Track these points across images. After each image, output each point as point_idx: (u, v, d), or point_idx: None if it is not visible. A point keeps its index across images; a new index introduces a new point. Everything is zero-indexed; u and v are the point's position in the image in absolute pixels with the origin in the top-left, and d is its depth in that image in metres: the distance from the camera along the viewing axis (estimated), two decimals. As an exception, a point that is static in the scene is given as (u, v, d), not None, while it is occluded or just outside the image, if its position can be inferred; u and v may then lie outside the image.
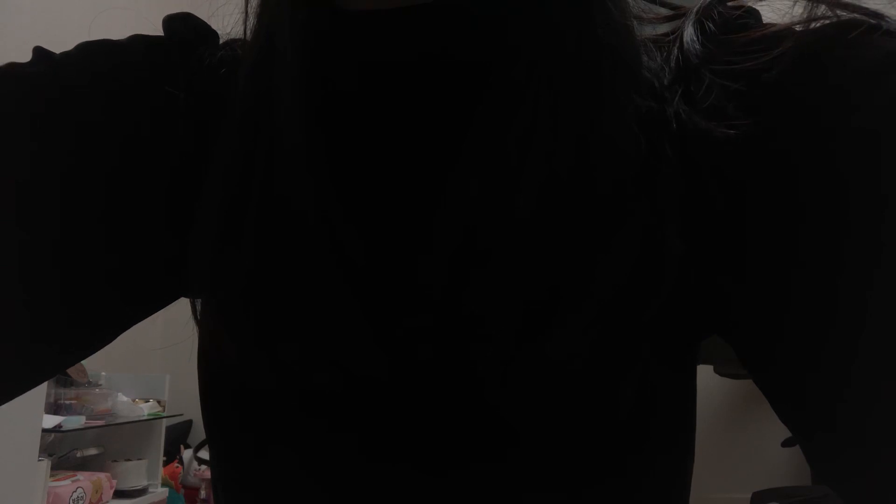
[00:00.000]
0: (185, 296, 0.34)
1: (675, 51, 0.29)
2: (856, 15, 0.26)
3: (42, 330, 0.28)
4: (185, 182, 0.31)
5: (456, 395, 0.28)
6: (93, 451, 2.21)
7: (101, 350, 0.32)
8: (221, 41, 0.35)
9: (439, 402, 0.28)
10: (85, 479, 1.93)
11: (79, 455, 2.17)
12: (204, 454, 2.47)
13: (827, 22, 0.27)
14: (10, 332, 0.27)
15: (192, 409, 2.65)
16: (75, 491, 1.86)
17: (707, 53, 0.28)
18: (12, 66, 0.31)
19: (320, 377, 0.28)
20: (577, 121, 0.26)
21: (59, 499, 1.80)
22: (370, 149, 0.31)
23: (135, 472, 2.18)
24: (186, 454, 2.59)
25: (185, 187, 0.31)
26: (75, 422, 1.93)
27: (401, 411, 0.28)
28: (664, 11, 0.32)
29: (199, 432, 2.77)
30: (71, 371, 1.97)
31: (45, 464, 1.72)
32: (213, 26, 0.36)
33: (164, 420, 2.32)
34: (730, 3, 0.30)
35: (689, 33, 0.29)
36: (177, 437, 2.64)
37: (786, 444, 2.36)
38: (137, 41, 0.34)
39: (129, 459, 2.21)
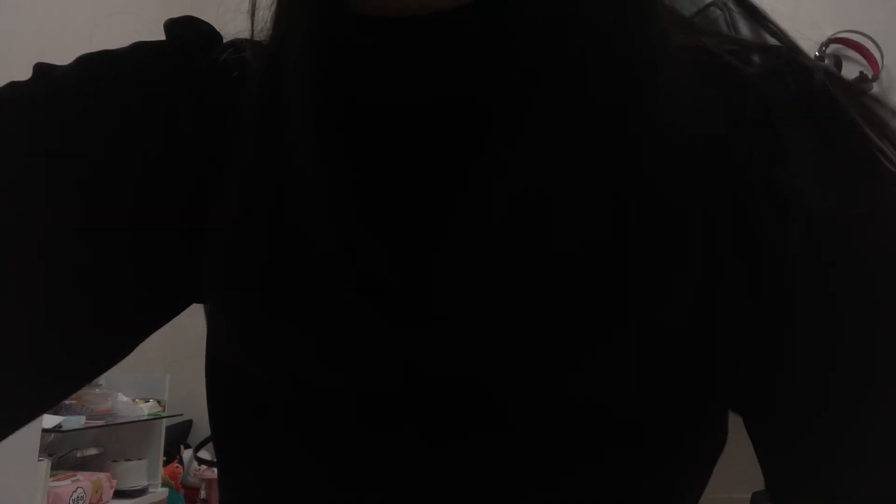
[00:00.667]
0: (199, 301, 0.34)
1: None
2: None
3: (69, 340, 0.29)
4: (199, 191, 0.31)
5: (469, 405, 0.27)
6: (93, 451, 2.21)
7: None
8: (225, 41, 0.35)
9: (450, 405, 0.28)
10: (85, 479, 1.93)
11: (79, 455, 2.17)
12: (204, 454, 2.46)
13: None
14: (38, 345, 0.28)
15: (192, 409, 2.65)
16: (75, 491, 1.86)
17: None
18: (14, 90, 0.30)
19: (330, 382, 0.28)
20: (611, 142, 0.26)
21: (59, 499, 1.79)
22: (389, 159, 0.30)
23: (135, 472, 2.17)
24: (186, 454, 2.59)
25: (200, 196, 0.31)
26: (75, 422, 1.93)
27: (419, 410, 0.28)
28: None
29: (199, 432, 2.76)
30: (71, 371, 1.96)
31: (45, 464, 1.72)
32: (218, 27, 0.35)
33: (164, 420, 2.32)
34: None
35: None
36: (177, 437, 2.64)
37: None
38: (140, 50, 0.33)
39: (129, 459, 2.21)
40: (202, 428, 2.78)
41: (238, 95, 0.32)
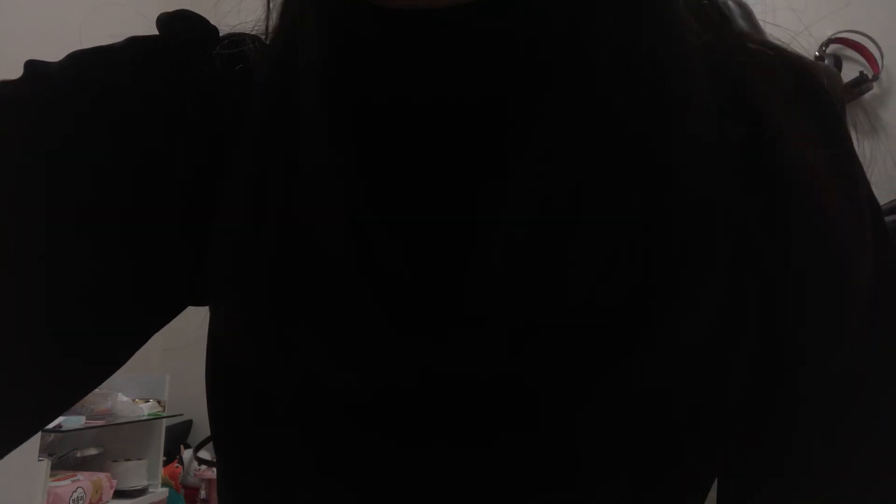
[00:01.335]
0: (198, 304, 0.34)
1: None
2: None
3: (70, 345, 0.28)
4: (200, 192, 0.31)
5: (491, 409, 0.27)
6: (93, 451, 2.21)
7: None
8: (221, 35, 0.34)
9: (470, 408, 0.27)
10: (85, 479, 1.93)
11: (79, 455, 2.17)
12: (204, 454, 2.46)
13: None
14: (39, 351, 0.27)
15: (192, 409, 2.65)
16: (75, 491, 1.85)
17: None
18: (6, 90, 0.29)
19: (343, 382, 0.28)
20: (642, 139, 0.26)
21: (59, 499, 1.79)
22: (403, 158, 0.29)
23: (135, 472, 2.17)
24: (186, 454, 2.58)
25: (201, 197, 0.30)
26: (75, 422, 1.93)
27: (433, 412, 0.28)
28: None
29: (199, 432, 2.76)
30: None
31: (45, 464, 1.72)
32: (213, 21, 0.34)
33: (164, 420, 2.32)
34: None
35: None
36: (177, 437, 2.64)
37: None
38: (135, 46, 0.32)
39: (129, 459, 2.21)
40: (202, 428, 2.77)
41: (239, 91, 0.31)
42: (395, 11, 0.27)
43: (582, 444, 0.27)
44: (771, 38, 0.31)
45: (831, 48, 2.02)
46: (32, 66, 0.30)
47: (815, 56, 1.98)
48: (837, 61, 1.99)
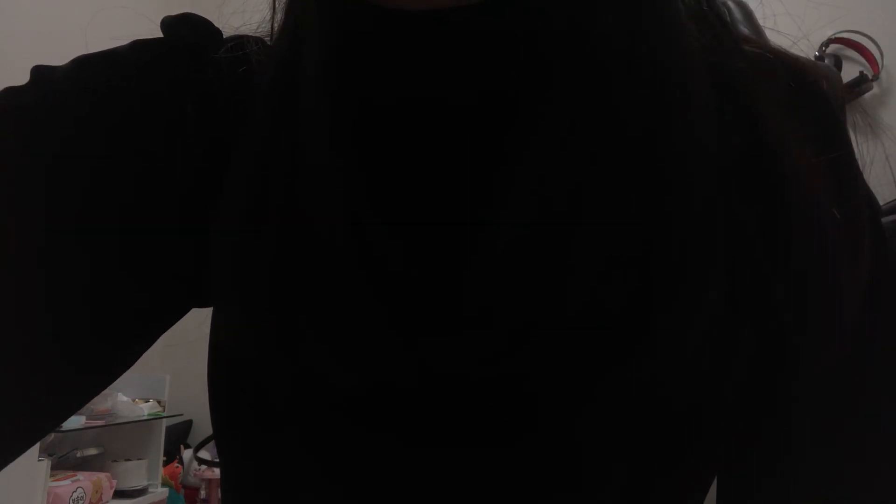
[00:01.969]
0: (201, 305, 0.34)
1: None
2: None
3: (72, 352, 0.28)
4: (200, 193, 0.31)
5: (493, 409, 0.27)
6: (93, 451, 2.22)
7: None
8: (225, 37, 0.34)
9: (473, 404, 0.28)
10: (85, 479, 1.94)
11: (79, 455, 2.17)
12: (204, 454, 2.46)
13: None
14: (41, 358, 0.27)
15: (192, 409, 2.65)
16: (75, 491, 1.86)
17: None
18: (13, 98, 0.29)
19: (343, 381, 0.28)
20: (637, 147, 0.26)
21: (59, 499, 1.80)
22: (404, 159, 0.29)
23: (135, 472, 2.18)
24: (186, 454, 2.59)
25: (201, 198, 0.30)
26: (75, 422, 1.93)
27: (434, 412, 0.28)
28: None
29: (199, 432, 2.76)
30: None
31: (45, 464, 1.72)
32: (217, 24, 0.34)
33: (164, 420, 2.32)
34: None
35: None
36: (177, 437, 2.64)
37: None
38: (139, 50, 0.32)
39: (129, 459, 2.21)
40: (202, 428, 2.78)
41: (241, 93, 0.31)
42: (396, 12, 0.27)
43: (582, 445, 0.27)
44: (770, 41, 0.31)
45: (831, 48, 2.02)
46: (38, 72, 0.30)
47: (816, 56, 1.98)
48: (837, 61, 1.99)
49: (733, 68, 0.29)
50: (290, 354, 0.28)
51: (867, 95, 1.97)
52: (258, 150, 0.29)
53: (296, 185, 0.28)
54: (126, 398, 2.18)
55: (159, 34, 0.33)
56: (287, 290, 0.27)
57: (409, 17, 0.27)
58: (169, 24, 0.33)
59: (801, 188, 0.28)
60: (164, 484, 2.33)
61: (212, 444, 0.36)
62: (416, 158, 0.29)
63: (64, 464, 2.07)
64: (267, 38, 0.34)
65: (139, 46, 0.32)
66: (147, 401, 2.29)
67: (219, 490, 2.32)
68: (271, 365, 0.29)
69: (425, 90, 0.29)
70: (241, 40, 0.33)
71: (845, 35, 2.00)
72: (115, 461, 2.19)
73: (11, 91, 0.29)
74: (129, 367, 0.31)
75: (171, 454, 2.55)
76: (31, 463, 1.61)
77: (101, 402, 2.06)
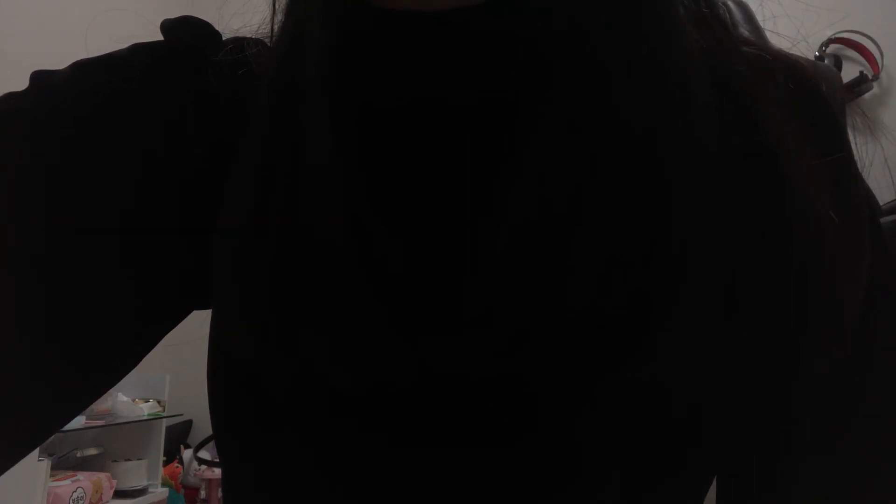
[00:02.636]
0: (201, 307, 0.34)
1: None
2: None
3: (71, 353, 0.28)
4: (200, 194, 0.31)
5: (494, 410, 0.27)
6: (93, 451, 2.22)
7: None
8: (224, 39, 0.34)
9: (472, 404, 0.28)
10: (85, 479, 1.94)
11: (79, 455, 2.17)
12: (204, 454, 2.47)
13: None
14: (41, 363, 0.27)
15: (192, 409, 2.65)
16: (75, 491, 1.86)
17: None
18: (12, 103, 0.29)
19: (344, 381, 0.28)
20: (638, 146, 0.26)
21: (59, 499, 1.80)
22: (406, 160, 0.29)
23: (135, 472, 2.18)
24: (186, 454, 2.59)
25: (202, 199, 0.31)
26: (75, 422, 1.93)
27: (434, 412, 0.28)
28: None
29: (199, 432, 2.76)
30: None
31: (45, 464, 1.72)
32: (217, 26, 0.34)
33: (164, 420, 2.32)
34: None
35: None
36: (177, 437, 2.64)
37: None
38: (139, 53, 0.32)
39: (129, 459, 2.21)
40: (202, 428, 2.78)
41: (241, 94, 0.31)
42: (397, 12, 0.27)
43: (582, 445, 0.27)
44: (770, 42, 0.31)
45: (831, 48, 2.02)
46: (37, 77, 0.30)
47: (816, 56, 1.98)
48: (837, 61, 2.00)
49: (733, 69, 0.29)
50: (290, 354, 0.28)
51: (867, 95, 1.97)
52: (258, 151, 0.29)
53: (296, 185, 0.28)
54: (126, 398, 2.19)
55: (159, 36, 0.33)
56: (287, 289, 0.27)
57: (410, 17, 0.27)
58: (169, 26, 0.33)
59: (800, 189, 0.28)
60: (164, 484, 2.33)
61: (212, 444, 0.36)
62: (417, 158, 0.29)
63: (64, 464, 2.07)
64: (267, 40, 0.34)
65: (139, 49, 0.32)
66: (147, 401, 2.29)
67: (219, 490, 2.33)
68: (271, 365, 0.29)
69: (426, 90, 0.29)
70: (240, 42, 0.34)
71: (845, 35, 2.00)
72: (115, 461, 2.19)
73: (11, 96, 0.29)
74: (131, 368, 0.31)
75: (171, 454, 2.55)
76: (31, 463, 1.61)
77: (101, 402, 2.06)
